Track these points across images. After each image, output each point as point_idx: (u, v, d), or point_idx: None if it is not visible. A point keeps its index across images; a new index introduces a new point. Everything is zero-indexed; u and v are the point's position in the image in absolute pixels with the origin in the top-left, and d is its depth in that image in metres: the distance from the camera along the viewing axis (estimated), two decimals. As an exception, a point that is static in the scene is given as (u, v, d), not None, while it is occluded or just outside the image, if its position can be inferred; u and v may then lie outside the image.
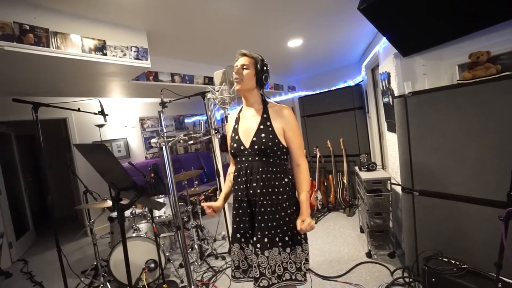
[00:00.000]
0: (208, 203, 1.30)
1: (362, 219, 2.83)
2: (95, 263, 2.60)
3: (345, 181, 3.75)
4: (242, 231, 1.24)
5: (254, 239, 1.17)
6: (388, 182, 2.37)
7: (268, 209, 1.17)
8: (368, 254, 2.40)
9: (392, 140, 2.43)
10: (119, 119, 4.64)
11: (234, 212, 1.27)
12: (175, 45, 2.52)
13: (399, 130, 1.89)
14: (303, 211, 1.20)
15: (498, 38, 1.54)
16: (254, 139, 1.20)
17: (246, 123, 1.26)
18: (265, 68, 1.25)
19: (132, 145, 4.80)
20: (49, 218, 5.06)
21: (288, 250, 1.20)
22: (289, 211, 1.21)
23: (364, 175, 2.45)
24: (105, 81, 2.50)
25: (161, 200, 2.70)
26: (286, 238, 1.20)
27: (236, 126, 1.29)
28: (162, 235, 2.52)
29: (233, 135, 1.28)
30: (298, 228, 1.14)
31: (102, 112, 2.75)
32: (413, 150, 1.82)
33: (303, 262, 1.22)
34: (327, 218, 3.56)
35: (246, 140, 1.23)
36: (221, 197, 1.39)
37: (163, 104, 2.67)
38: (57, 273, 2.33)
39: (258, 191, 1.17)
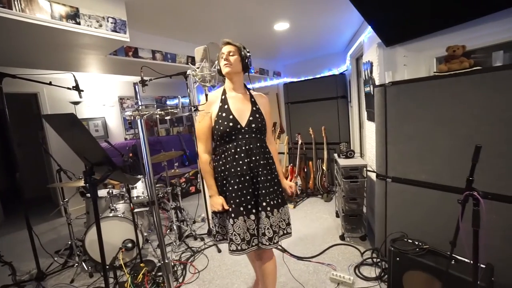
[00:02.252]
0: (223, 206, 1.35)
1: (338, 204, 2.95)
2: (69, 242, 2.54)
3: (324, 168, 3.85)
4: (244, 204, 1.34)
5: (264, 204, 1.34)
6: (364, 169, 2.46)
7: (268, 177, 1.38)
8: (342, 237, 2.53)
9: (370, 129, 2.51)
10: (97, 97, 4.41)
11: (235, 187, 1.35)
12: (157, 20, 2.39)
13: (378, 118, 1.95)
14: (283, 177, 1.56)
15: (473, 34, 1.60)
16: (251, 118, 1.37)
17: (238, 104, 1.38)
18: (248, 54, 1.40)
19: (111, 125, 4.61)
20: (19, 197, 4.82)
21: (281, 209, 1.42)
22: (277, 178, 1.46)
23: (342, 161, 2.53)
24: (79, 54, 2.34)
25: (139, 181, 2.65)
26: (280, 200, 1.42)
27: (226, 107, 1.36)
28: (136, 210, 2.49)
29: (224, 115, 1.34)
30: (290, 191, 1.55)
31: (76, 88, 2.58)
32: (389, 138, 1.89)
33: (289, 218, 1.49)
34: (305, 202, 3.68)
35: (242, 120, 1.36)
36: (215, 189, 1.40)
37: (143, 82, 2.56)
38: (28, 253, 2.26)
39: (261, 162, 1.36)
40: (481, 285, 1.20)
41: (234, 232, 1.33)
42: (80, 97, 2.60)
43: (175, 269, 2.25)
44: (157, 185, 3.16)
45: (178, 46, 2.93)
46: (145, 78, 2.52)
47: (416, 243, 1.62)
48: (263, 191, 1.35)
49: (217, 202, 1.36)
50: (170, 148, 3.76)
